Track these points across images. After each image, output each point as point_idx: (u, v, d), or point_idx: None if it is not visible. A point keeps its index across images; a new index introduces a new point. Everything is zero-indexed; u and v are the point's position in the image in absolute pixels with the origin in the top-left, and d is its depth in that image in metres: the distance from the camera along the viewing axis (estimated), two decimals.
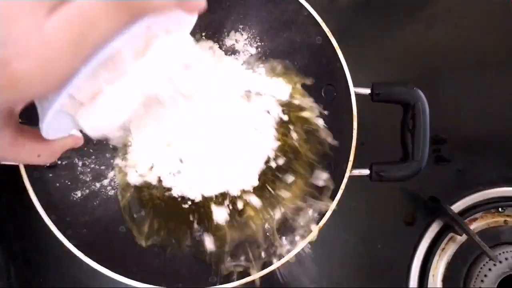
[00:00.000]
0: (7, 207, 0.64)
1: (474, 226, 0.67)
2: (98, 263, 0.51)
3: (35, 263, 0.65)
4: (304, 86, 0.59)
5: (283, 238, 0.55)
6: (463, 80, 0.71)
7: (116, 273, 0.51)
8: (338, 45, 0.53)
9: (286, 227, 0.56)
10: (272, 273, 0.53)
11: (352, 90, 0.52)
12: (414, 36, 0.72)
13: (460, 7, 0.73)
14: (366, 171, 0.53)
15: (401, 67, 0.71)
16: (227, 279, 0.53)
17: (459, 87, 0.71)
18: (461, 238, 0.66)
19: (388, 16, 0.72)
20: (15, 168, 0.51)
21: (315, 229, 0.52)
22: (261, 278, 0.53)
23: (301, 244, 0.52)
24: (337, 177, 0.53)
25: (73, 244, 0.51)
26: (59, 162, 0.55)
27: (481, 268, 0.64)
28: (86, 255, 0.51)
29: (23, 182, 0.50)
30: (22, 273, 0.64)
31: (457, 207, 0.68)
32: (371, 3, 0.72)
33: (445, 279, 0.66)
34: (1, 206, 0.64)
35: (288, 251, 0.53)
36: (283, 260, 0.52)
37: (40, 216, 0.50)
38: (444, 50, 0.72)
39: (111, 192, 0.58)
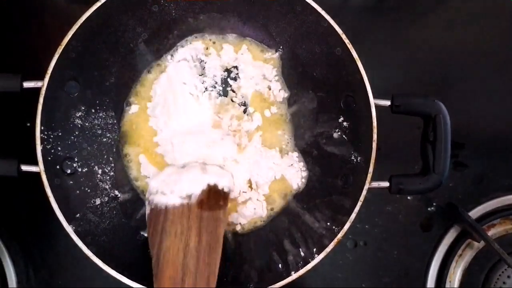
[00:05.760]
0: (28, 213, 0.65)
1: (492, 233, 0.66)
2: (116, 271, 0.51)
3: (53, 266, 0.65)
4: (322, 97, 0.59)
5: (301, 248, 0.55)
6: (481, 84, 0.70)
7: (134, 280, 0.51)
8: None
9: (304, 237, 0.55)
10: None
11: (372, 101, 0.52)
12: (429, 39, 0.71)
13: (477, 11, 0.71)
14: (385, 184, 0.53)
15: (417, 70, 0.70)
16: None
17: (476, 92, 0.70)
18: (479, 245, 0.65)
19: (404, 19, 0.71)
20: (36, 175, 0.51)
21: (333, 241, 0.52)
22: None
23: (320, 256, 0.52)
24: (355, 189, 0.53)
25: (92, 252, 0.51)
26: (79, 169, 0.56)
27: (499, 275, 0.63)
28: (104, 262, 0.51)
29: (44, 189, 0.51)
30: (41, 276, 0.65)
31: (474, 213, 0.67)
32: (384, 7, 0.71)
33: (462, 286, 0.65)
34: (23, 211, 0.65)
35: (307, 261, 0.52)
36: (302, 271, 0.52)
37: (60, 223, 0.51)
38: (461, 54, 0.71)
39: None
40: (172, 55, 0.60)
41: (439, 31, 0.71)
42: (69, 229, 0.51)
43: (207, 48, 0.60)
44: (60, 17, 0.67)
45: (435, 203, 0.68)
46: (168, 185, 0.53)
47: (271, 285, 0.52)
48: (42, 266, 0.65)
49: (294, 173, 0.60)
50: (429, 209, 0.68)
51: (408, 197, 0.68)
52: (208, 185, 0.53)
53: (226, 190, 0.54)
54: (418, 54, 0.70)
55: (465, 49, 0.71)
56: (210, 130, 0.58)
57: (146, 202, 0.54)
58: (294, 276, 0.52)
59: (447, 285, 0.65)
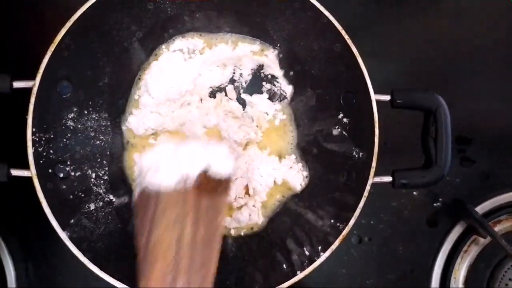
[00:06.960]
0: (27, 208, 0.62)
1: (498, 229, 0.66)
2: (114, 278, 0.49)
3: (53, 262, 0.63)
4: (320, 94, 0.58)
5: (305, 247, 0.54)
6: (489, 78, 0.70)
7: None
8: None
9: (308, 236, 0.54)
10: None
11: (373, 97, 0.52)
12: (436, 32, 0.70)
13: (482, 5, 0.71)
14: (388, 178, 0.52)
15: (423, 64, 0.70)
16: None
17: (484, 86, 0.70)
18: (485, 241, 0.65)
19: (405, 13, 0.70)
20: (29, 180, 0.49)
21: (338, 238, 0.51)
22: None
23: (325, 254, 0.51)
24: (359, 185, 0.52)
25: (89, 259, 0.49)
26: (72, 173, 0.53)
27: (505, 271, 0.64)
28: (101, 270, 0.49)
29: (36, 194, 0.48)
30: (41, 272, 0.63)
31: (481, 209, 0.66)
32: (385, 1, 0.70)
33: (467, 282, 0.65)
34: (21, 207, 0.63)
35: (313, 260, 0.51)
36: (308, 270, 0.50)
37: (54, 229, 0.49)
38: (468, 48, 0.70)
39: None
40: (167, 47, 0.59)
41: (442, 25, 0.71)
42: (63, 235, 0.49)
43: (203, 47, 0.60)
44: (54, 13, 0.64)
45: (441, 198, 0.68)
46: (162, 161, 0.45)
47: (277, 285, 0.50)
48: (42, 262, 0.63)
49: (295, 174, 0.59)
50: (435, 204, 0.68)
51: (414, 192, 0.68)
52: (207, 167, 0.45)
53: (226, 177, 0.47)
54: (425, 48, 0.70)
55: (471, 43, 0.71)
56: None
57: (135, 185, 0.48)
58: (300, 275, 0.51)
59: (452, 281, 0.65)
